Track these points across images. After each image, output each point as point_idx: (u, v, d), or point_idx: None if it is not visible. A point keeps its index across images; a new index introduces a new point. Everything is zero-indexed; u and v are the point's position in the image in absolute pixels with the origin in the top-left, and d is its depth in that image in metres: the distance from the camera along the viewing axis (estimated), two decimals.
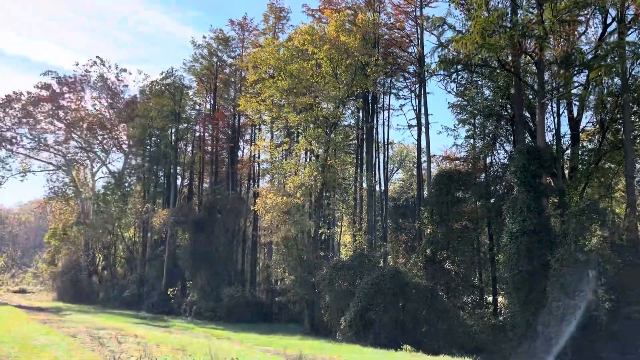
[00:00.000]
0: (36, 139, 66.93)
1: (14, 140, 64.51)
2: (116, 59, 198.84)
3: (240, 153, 57.89)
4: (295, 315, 38.98)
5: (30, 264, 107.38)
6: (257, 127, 54.34)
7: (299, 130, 36.87)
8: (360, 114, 39.01)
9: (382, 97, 43.31)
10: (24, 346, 16.61)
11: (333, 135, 34.15)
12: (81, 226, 62.88)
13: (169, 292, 46.56)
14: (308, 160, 37.77)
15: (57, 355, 15.22)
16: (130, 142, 66.89)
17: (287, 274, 34.27)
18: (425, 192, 37.82)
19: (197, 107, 58.40)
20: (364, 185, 39.40)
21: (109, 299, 54.78)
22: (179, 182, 60.23)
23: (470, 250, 31.36)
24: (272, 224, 33.07)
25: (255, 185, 53.89)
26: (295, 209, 32.51)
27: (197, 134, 59.11)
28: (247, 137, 58.55)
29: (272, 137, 46.82)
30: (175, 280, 49.61)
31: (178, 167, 57.87)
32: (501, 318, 28.22)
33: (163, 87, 53.71)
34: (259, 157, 54.24)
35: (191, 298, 44.97)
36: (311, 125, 34.60)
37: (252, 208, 35.45)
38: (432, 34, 33.42)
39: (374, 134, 40.30)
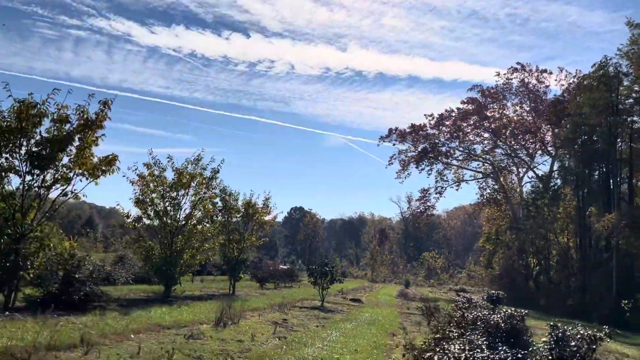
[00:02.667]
0: (466, 151, 72.66)
1: (448, 154, 71.79)
2: (519, 61, 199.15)
3: None
4: None
5: (462, 265, 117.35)
6: None
7: None
8: None
9: None
10: None
11: None
12: (514, 231, 64.05)
13: (622, 304, 41.65)
14: None
15: None
16: (557, 143, 64.53)
17: None
18: None
19: (634, 95, 51.15)
20: None
21: (550, 306, 53.45)
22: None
23: None
24: None
25: None
26: None
27: (637, 125, 51.78)
28: None
29: None
30: (627, 291, 44.15)
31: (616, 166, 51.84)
32: None
33: (594, 81, 49.34)
34: None
35: None
36: None
37: None
38: None
39: None
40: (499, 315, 9.85)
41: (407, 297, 52.01)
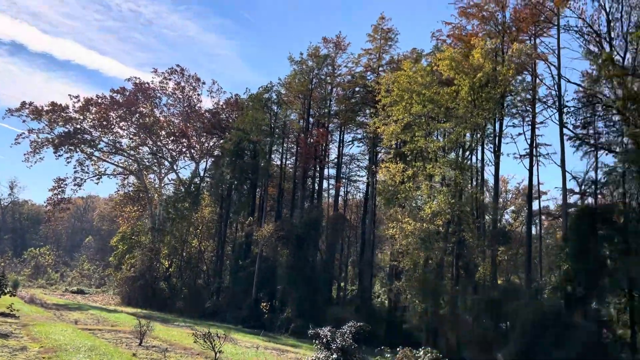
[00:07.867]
0: (111, 143, 67.51)
1: (92, 143, 65.12)
2: (138, 61, 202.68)
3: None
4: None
5: (70, 264, 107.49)
6: (345, 145, 54.45)
7: (425, 155, 36.25)
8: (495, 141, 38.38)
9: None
10: None
11: (466, 162, 33.89)
12: (154, 232, 62.92)
13: (262, 307, 46.10)
14: (438, 187, 37.21)
15: None
16: (204, 150, 67.42)
17: (416, 301, 33.73)
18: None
19: (287, 122, 58.52)
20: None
21: (187, 308, 54.26)
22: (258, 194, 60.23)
23: (618, 291, 30.69)
24: (406, 249, 32.70)
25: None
26: (431, 236, 32.15)
27: (285, 148, 59.30)
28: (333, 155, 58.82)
29: (373, 158, 46.60)
30: (262, 296, 49.18)
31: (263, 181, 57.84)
32: None
33: (256, 102, 54.02)
34: (339, 174, 54.60)
35: (287, 315, 44.45)
36: (442, 152, 34.34)
37: (387, 232, 34.93)
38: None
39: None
40: None
41: (39, 303, 43.71)
